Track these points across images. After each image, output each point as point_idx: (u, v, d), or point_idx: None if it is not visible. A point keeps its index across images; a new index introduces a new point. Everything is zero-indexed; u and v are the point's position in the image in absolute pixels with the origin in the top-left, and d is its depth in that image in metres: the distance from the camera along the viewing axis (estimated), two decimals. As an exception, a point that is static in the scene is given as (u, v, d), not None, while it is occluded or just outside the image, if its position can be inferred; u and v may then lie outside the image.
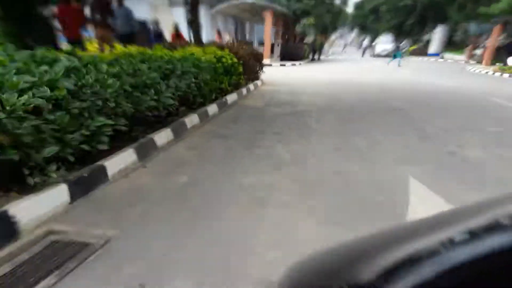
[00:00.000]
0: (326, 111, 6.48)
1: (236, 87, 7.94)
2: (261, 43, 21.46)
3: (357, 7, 65.41)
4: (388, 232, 0.36)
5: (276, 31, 22.11)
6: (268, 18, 18.74)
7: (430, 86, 11.18)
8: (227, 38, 18.18)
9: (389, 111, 6.67)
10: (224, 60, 6.81)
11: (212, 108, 6.09)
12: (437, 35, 31.21)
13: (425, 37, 39.13)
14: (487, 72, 17.01)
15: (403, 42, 29.86)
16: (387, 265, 0.29)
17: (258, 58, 10.30)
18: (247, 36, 29.73)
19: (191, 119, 5.14)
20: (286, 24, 23.94)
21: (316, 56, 24.78)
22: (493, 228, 0.30)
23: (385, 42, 33.84)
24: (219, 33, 18.36)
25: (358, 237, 0.38)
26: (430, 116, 6.17)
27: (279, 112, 6.31)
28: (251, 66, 9.23)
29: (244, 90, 8.38)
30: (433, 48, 31.03)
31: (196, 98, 5.57)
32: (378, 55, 32.66)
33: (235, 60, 7.41)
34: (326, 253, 0.38)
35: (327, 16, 29.02)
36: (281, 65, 19.13)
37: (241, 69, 7.86)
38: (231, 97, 7.26)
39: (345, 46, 44.69)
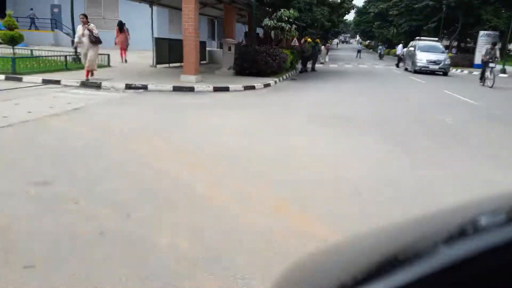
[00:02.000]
0: None
1: None
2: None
3: (360, 12, 56.84)
4: (382, 231, 0.37)
5: (225, 24, 12.06)
6: (190, 2, 8.63)
7: None
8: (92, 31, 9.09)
9: None
10: None
11: None
12: (481, 41, 22.73)
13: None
14: None
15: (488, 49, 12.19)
16: (379, 266, 0.30)
17: None
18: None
19: None
20: (249, 18, 14.15)
21: (309, 66, 15.32)
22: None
23: (430, 49, 17.86)
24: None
25: (354, 237, 0.39)
26: None
27: None
28: None
29: None
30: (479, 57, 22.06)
31: None
32: (426, 70, 16.71)
33: None
34: (322, 255, 0.40)
35: (319, 10, 18.15)
36: (216, 89, 8.53)
37: None
38: None
39: (358, 52, 35.98)
